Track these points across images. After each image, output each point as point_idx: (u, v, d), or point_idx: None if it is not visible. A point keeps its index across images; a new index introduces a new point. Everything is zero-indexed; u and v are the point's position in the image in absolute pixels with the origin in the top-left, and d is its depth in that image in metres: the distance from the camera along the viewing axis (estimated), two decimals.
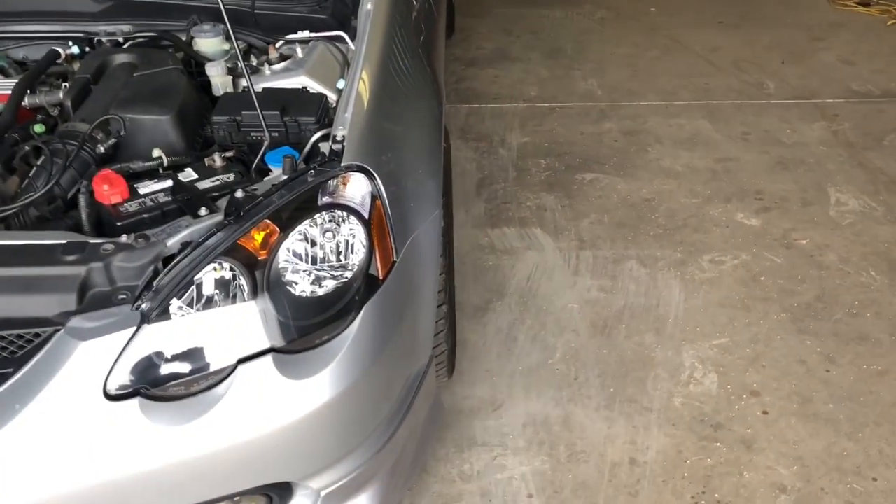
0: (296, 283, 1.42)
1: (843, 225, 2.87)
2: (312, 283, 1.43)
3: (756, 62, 4.20)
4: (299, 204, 1.46)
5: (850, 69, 4.11)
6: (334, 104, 1.72)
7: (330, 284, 1.45)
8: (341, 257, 1.47)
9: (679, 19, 4.80)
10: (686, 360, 2.29)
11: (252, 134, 1.65)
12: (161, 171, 1.59)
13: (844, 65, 4.17)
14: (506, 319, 2.45)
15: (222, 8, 1.53)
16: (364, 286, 1.46)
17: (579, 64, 4.22)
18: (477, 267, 2.69)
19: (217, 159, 1.60)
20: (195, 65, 1.87)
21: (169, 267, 1.34)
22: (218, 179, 1.56)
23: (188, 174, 1.58)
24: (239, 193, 1.48)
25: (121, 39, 1.93)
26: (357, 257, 1.47)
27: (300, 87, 1.76)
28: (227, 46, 1.88)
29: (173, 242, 1.39)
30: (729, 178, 3.17)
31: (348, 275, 1.46)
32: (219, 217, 1.43)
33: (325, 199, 1.48)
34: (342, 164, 1.52)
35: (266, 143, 1.59)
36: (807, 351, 2.31)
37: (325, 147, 1.57)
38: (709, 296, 2.53)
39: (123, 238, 1.39)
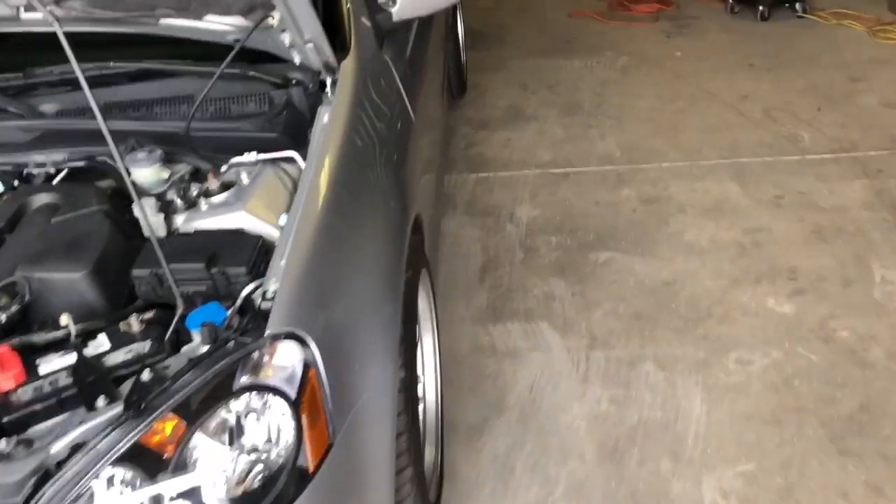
0: (207, 485, 1.20)
1: (890, 309, 2.55)
2: (227, 483, 1.21)
3: (790, 110, 3.89)
4: (214, 386, 1.25)
5: (894, 114, 3.77)
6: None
7: (250, 483, 1.23)
8: (263, 448, 1.25)
9: (707, 63, 4.52)
10: (706, 493, 2.00)
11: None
12: (70, 340, 1.39)
13: (887, 109, 3.83)
14: (503, 443, 2.19)
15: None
16: (291, 482, 1.24)
17: (597, 120, 3.96)
18: (475, 374, 2.44)
19: (134, 323, 1.40)
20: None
21: (52, 480, 1.14)
22: (132, 350, 1.36)
23: (100, 343, 1.38)
24: (145, 375, 1.27)
25: (52, 170, 1.75)
26: (281, 448, 1.25)
27: (237, 226, 1.56)
28: (165, 174, 1.69)
29: (60, 448, 1.18)
30: (759, 253, 2.87)
31: (271, 469, 1.23)
32: (118, 409, 1.22)
33: (244, 380, 1.27)
34: (268, 333, 1.30)
35: (178, 311, 1.38)
36: (850, 480, 2.00)
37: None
38: (734, 406, 2.24)
39: (2, 444, 1.19)
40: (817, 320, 2.52)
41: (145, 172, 1.66)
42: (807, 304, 2.60)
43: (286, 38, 1.74)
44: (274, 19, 1.68)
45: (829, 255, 2.82)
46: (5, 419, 1.24)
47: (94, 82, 1.53)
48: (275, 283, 1.38)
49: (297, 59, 1.79)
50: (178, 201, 1.60)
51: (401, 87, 2.06)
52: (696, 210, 3.17)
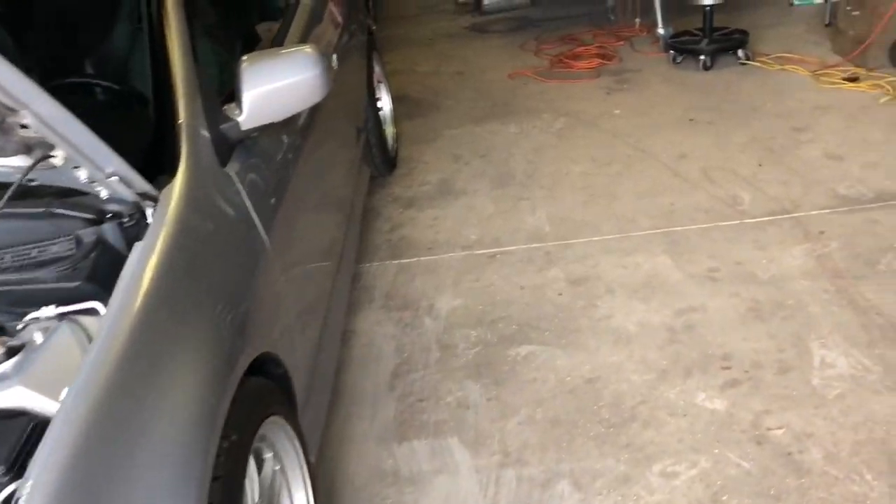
0: None
1: (829, 399, 2.31)
2: None
3: (729, 168, 3.70)
4: None
5: (838, 166, 3.58)
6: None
7: None
8: None
9: (646, 120, 4.35)
10: None
11: None
12: None
13: (831, 160, 3.64)
14: None
15: None
16: None
17: (529, 191, 3.76)
18: None
19: None
20: None
21: None
22: None
23: None
24: None
25: None
26: None
27: (14, 405, 1.32)
28: None
29: None
30: (690, 338, 2.64)
31: None
32: None
33: None
34: None
35: None
36: None
37: None
38: None
39: None
40: (751, 417, 2.28)
41: None
42: (740, 398, 2.36)
43: (82, 175, 1.53)
44: (57, 158, 1.47)
45: (766, 337, 2.59)
46: None
47: None
48: (28, 486, 1.14)
49: (103, 194, 1.57)
50: None
51: (249, 207, 1.84)
52: (625, 289, 2.94)
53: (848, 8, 4.64)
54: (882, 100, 4.12)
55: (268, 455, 1.70)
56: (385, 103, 4.23)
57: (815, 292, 2.77)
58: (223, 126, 1.91)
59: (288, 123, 2.30)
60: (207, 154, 1.82)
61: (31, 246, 1.58)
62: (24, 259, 1.56)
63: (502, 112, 4.75)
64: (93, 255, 1.55)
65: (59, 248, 1.57)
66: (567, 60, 5.37)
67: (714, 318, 2.72)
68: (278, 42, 2.60)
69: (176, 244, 1.58)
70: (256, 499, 1.58)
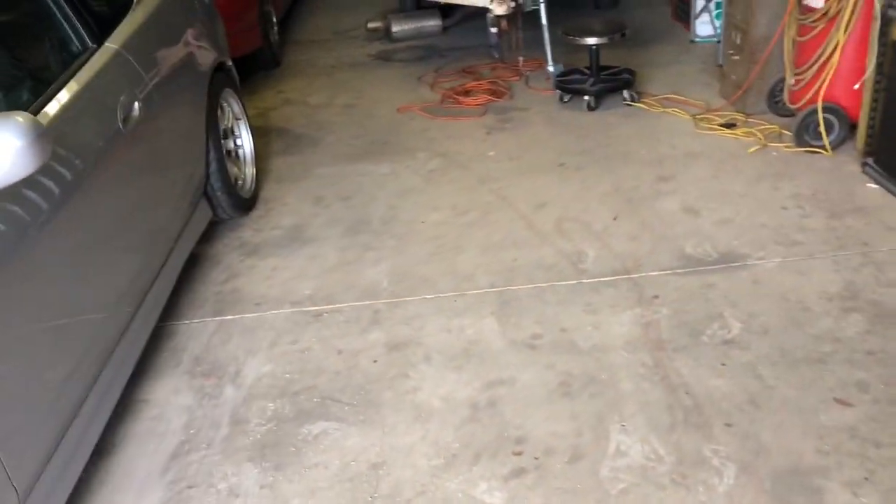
0: None
1: (611, 495, 2.15)
2: None
3: (584, 220, 3.56)
4: None
5: (692, 221, 3.45)
6: None
7: None
8: None
9: (517, 164, 4.20)
10: None
11: None
12: None
13: (687, 215, 3.51)
14: None
15: None
16: None
17: (380, 240, 3.59)
18: None
19: None
20: None
21: None
22: None
23: None
24: None
25: None
26: None
27: None
28: None
29: None
30: (491, 416, 2.47)
31: None
32: None
33: None
34: None
35: None
36: None
37: None
38: None
39: None
40: None
41: None
42: (522, 490, 2.19)
43: None
44: None
45: (568, 417, 2.43)
46: None
47: None
48: None
49: None
50: None
51: None
52: (443, 357, 2.77)
53: (730, 52, 4.54)
54: (752, 149, 4.02)
55: None
56: (245, 142, 4.05)
57: (632, 366, 2.62)
58: None
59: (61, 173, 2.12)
60: None
61: None
62: None
63: (380, 150, 4.58)
64: None
65: None
66: (456, 96, 5.22)
67: (521, 393, 2.56)
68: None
69: None
70: None
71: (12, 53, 2.59)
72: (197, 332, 3.08)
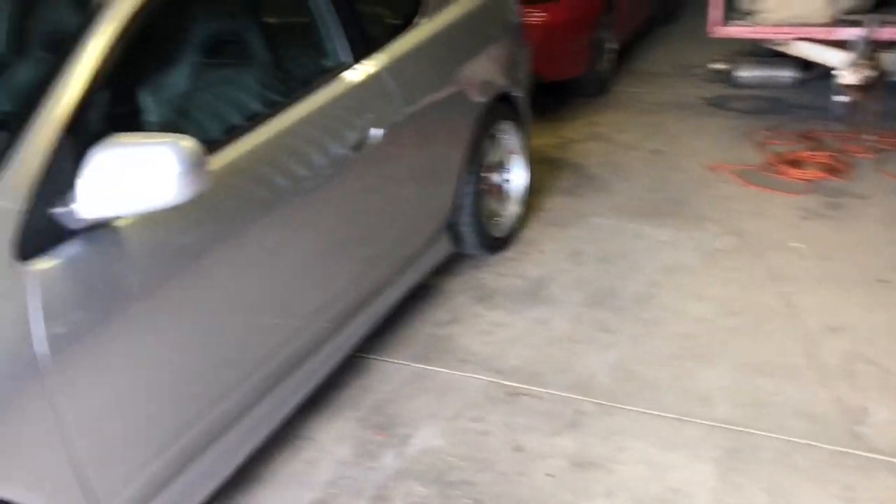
0: None
1: None
2: None
3: (886, 365, 2.73)
4: None
5: None
6: None
7: None
8: None
9: (824, 266, 3.41)
10: None
11: None
12: None
13: None
14: None
15: None
16: None
17: (621, 323, 3.09)
18: None
19: None
20: None
21: None
22: None
23: None
24: None
25: None
26: None
27: None
28: None
29: None
30: None
31: None
32: None
33: None
34: None
35: None
36: None
37: None
38: None
39: None
40: None
41: None
42: None
43: None
44: None
45: None
46: None
47: None
48: None
49: None
50: None
51: (31, 315, 1.58)
52: (628, 500, 2.25)
53: None
54: None
55: None
56: (515, 179, 3.77)
57: None
58: (56, 209, 1.68)
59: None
60: None
61: None
62: None
63: (668, 211, 4.03)
64: None
65: None
66: (782, 164, 4.44)
67: None
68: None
69: None
70: None
71: (266, 56, 2.57)
72: (391, 374, 2.87)
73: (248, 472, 2.38)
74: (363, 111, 2.61)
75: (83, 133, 1.75)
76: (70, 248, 1.70)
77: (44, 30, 2.80)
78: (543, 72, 4.48)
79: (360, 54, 2.69)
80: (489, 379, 2.82)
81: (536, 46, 4.11)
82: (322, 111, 2.47)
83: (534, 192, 3.96)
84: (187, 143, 1.70)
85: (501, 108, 3.53)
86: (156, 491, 1.95)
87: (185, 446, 2.02)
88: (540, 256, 3.66)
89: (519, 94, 3.71)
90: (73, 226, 1.70)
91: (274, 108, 2.35)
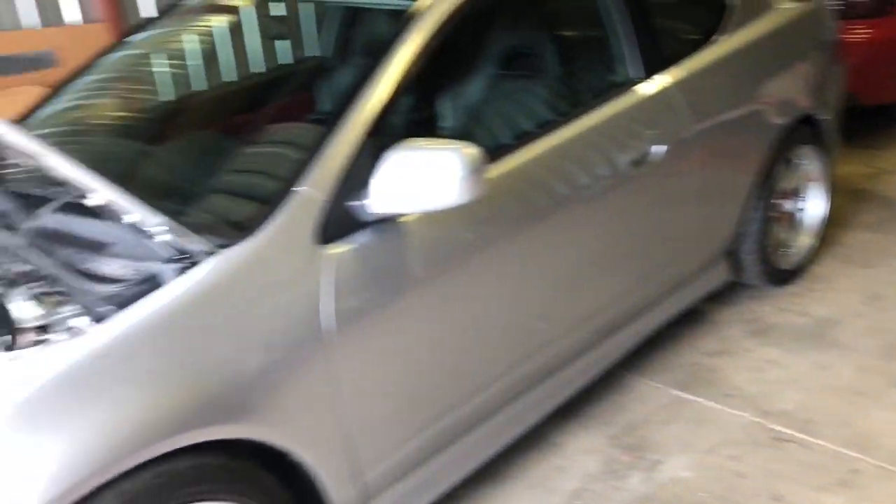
0: None
1: None
2: None
3: None
4: None
5: None
6: None
7: None
8: None
9: None
10: None
11: None
12: None
13: None
14: None
15: None
16: None
17: None
18: None
19: None
20: None
21: None
22: None
23: None
24: None
25: None
26: None
27: None
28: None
29: None
30: None
31: None
32: None
33: None
34: None
35: None
36: None
37: None
38: None
39: None
40: None
41: None
42: None
43: (136, 218, 1.69)
44: (95, 199, 1.65)
45: None
46: None
47: None
48: None
49: (162, 239, 1.71)
50: None
51: (324, 289, 1.78)
52: None
53: None
54: None
55: None
56: (811, 208, 3.49)
57: None
58: (351, 202, 1.87)
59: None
60: (303, 224, 1.81)
61: (106, 251, 1.78)
62: (94, 262, 1.78)
63: None
64: (137, 288, 1.69)
65: (125, 268, 1.75)
66: None
67: None
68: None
69: (190, 302, 1.65)
70: None
71: (556, 70, 2.64)
72: (648, 396, 2.81)
73: (496, 467, 2.47)
74: (648, 127, 2.59)
75: (382, 135, 1.94)
76: (360, 237, 1.89)
77: (363, 39, 3.13)
78: (862, 94, 4.10)
79: (651, 70, 2.66)
80: (753, 418, 2.65)
81: (856, 66, 3.77)
82: (605, 125, 2.49)
83: (831, 225, 3.63)
84: (471, 150, 1.82)
85: (803, 130, 3.29)
86: (411, 468, 2.11)
87: (442, 430, 2.16)
88: (830, 295, 3.36)
89: (825, 116, 3.42)
90: (364, 218, 1.89)
91: (559, 120, 2.42)
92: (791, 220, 3.45)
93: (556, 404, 2.53)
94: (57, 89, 2.61)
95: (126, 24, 5.08)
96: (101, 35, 5.02)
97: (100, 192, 1.63)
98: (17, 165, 2.18)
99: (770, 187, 3.18)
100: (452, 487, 2.24)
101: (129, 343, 1.59)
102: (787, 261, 3.43)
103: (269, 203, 1.83)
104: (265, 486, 1.77)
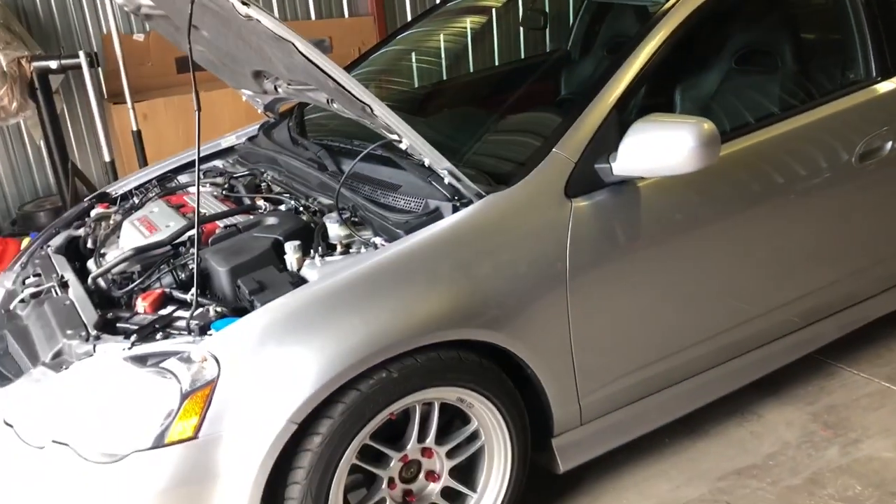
0: None
1: None
2: None
3: None
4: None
5: None
6: None
7: None
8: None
9: None
10: None
11: None
12: None
13: None
14: None
15: None
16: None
17: None
18: None
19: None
20: None
21: None
22: None
23: None
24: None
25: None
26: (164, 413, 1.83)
27: None
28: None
29: None
30: None
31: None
32: None
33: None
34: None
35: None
36: None
37: None
38: None
39: None
40: None
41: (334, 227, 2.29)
42: None
43: (426, 162, 2.12)
44: (403, 143, 2.09)
45: None
46: None
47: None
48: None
49: (446, 180, 2.14)
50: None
51: (567, 237, 2.15)
52: None
53: None
54: None
55: None
56: None
57: None
58: (598, 164, 2.21)
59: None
60: (556, 180, 2.18)
61: (402, 192, 2.25)
62: (389, 198, 2.26)
63: None
64: (423, 218, 2.15)
65: (412, 203, 2.21)
66: None
67: None
68: None
69: (461, 231, 2.08)
70: None
71: (789, 67, 2.83)
72: (854, 384, 2.92)
73: (700, 423, 2.72)
74: (876, 124, 2.70)
75: (627, 112, 2.27)
76: (601, 195, 2.23)
77: (607, 36, 3.46)
78: None
79: (888, 71, 2.77)
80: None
81: None
82: (833, 120, 2.64)
83: None
84: (706, 124, 2.10)
85: None
86: (621, 404, 2.42)
87: (653, 376, 2.45)
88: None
89: None
90: (607, 179, 2.23)
91: (786, 113, 2.61)
92: None
93: (759, 375, 2.71)
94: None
95: (389, 20, 5.76)
96: (367, 26, 5.75)
97: (406, 139, 2.08)
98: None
99: None
100: (656, 430, 2.52)
101: (413, 257, 2.04)
102: None
103: (528, 161, 2.22)
104: (507, 388, 2.16)
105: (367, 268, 2.00)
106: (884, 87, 2.74)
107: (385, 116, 2.02)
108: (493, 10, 3.96)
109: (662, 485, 2.52)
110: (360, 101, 2.00)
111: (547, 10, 3.75)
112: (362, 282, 1.98)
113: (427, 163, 2.14)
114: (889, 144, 2.70)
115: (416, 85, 3.53)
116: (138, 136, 4.40)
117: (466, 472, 2.25)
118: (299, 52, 1.92)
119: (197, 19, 2.23)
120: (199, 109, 2.00)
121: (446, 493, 2.21)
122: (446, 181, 2.14)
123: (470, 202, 2.13)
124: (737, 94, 2.87)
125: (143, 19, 2.93)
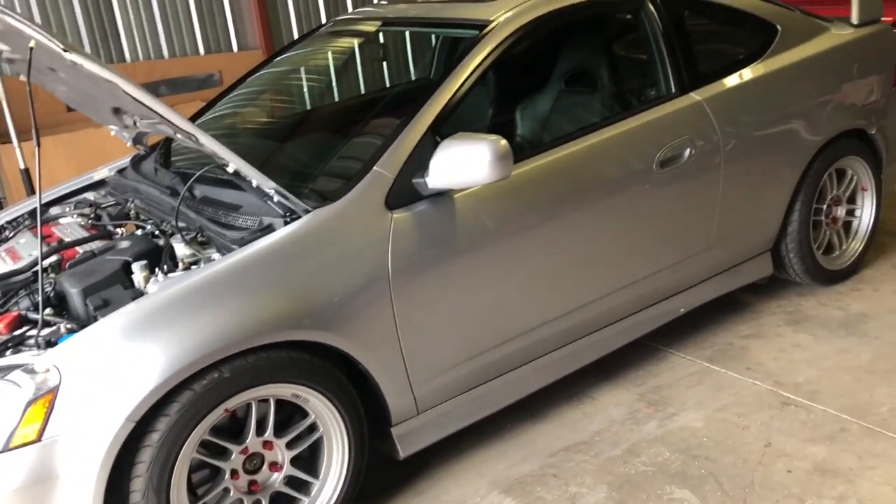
0: None
1: None
2: None
3: None
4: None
5: None
6: None
7: None
8: None
9: None
10: None
11: None
12: None
13: None
14: None
15: None
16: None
17: None
18: None
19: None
20: None
21: None
22: None
23: None
24: None
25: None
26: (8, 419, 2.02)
27: None
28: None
29: None
30: None
31: None
32: None
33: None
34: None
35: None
36: None
37: None
38: None
39: None
40: None
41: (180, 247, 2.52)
42: None
43: (254, 183, 2.38)
44: (230, 168, 2.35)
45: None
46: None
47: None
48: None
49: (274, 199, 2.40)
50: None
51: (389, 247, 2.42)
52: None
53: None
54: None
55: None
56: (863, 216, 3.80)
57: None
58: (416, 179, 2.50)
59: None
60: (377, 194, 2.46)
61: (242, 212, 2.49)
62: (230, 217, 2.49)
63: None
64: (257, 234, 2.40)
65: (249, 221, 2.46)
66: None
67: None
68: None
69: (291, 242, 2.33)
70: None
71: (604, 86, 3.17)
72: (678, 366, 3.26)
73: (538, 408, 3.02)
74: (674, 135, 3.05)
75: (440, 132, 2.57)
76: (420, 206, 2.51)
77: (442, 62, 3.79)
78: None
79: (686, 88, 3.13)
80: (767, 387, 3.05)
81: None
82: (636, 132, 2.99)
83: (890, 234, 3.91)
84: (499, 141, 2.40)
85: (848, 143, 3.62)
86: (456, 392, 2.69)
87: (484, 365, 2.73)
88: (871, 294, 3.66)
89: (875, 131, 3.73)
90: (424, 192, 2.51)
91: (597, 126, 2.95)
92: (841, 226, 3.78)
93: (589, 360, 3.02)
94: (212, 102, 3.44)
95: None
96: (256, 59, 5.97)
97: (232, 164, 2.33)
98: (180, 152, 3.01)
99: (809, 195, 3.53)
100: (499, 414, 2.80)
101: (246, 267, 2.28)
102: (835, 263, 3.76)
103: (353, 178, 2.50)
104: (339, 383, 2.41)
105: (201, 279, 2.23)
106: (681, 102, 3.11)
107: (209, 144, 2.27)
108: (356, 43, 4.24)
109: (500, 464, 2.80)
110: (186, 131, 2.25)
111: (382, 41, 4.07)
112: (195, 292, 2.22)
113: (255, 184, 2.39)
114: (687, 152, 3.06)
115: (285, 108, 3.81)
116: (26, 173, 4.55)
117: (310, 461, 2.49)
118: (124, 91, 2.16)
119: (54, 63, 2.45)
120: (39, 145, 2.22)
121: (291, 481, 2.44)
122: (276, 199, 2.40)
123: (300, 217, 2.39)
124: (565, 112, 3.22)
125: (8, 63, 3.12)
